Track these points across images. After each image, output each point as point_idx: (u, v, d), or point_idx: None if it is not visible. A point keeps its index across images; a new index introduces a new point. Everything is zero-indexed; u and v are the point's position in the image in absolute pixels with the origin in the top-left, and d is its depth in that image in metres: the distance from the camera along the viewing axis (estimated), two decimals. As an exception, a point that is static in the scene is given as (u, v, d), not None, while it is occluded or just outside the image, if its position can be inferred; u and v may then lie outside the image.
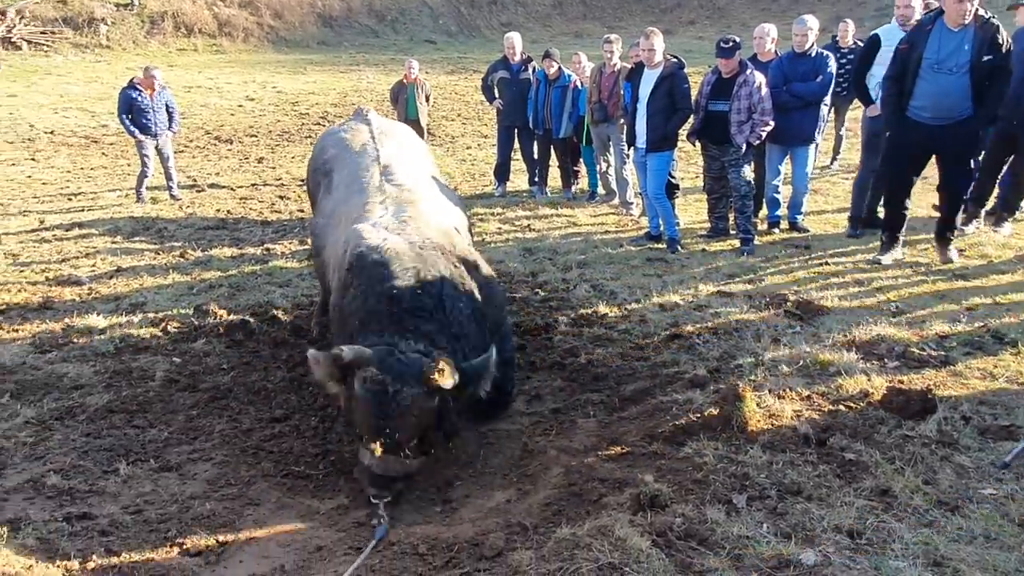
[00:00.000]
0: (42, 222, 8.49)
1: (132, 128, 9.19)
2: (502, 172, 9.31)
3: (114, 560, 2.89)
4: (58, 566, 2.85)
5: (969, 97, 5.37)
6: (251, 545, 3.06)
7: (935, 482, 3.08)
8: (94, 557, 2.91)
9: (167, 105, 9.42)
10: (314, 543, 3.07)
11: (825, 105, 7.01)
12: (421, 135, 9.99)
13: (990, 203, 6.75)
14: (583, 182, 9.22)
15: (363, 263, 3.67)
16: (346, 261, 3.80)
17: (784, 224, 7.12)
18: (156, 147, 9.35)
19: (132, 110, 9.17)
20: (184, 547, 3.02)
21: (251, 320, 5.43)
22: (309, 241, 5.15)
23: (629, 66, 7.15)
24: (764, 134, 6.44)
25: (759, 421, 3.53)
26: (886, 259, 5.93)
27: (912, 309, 4.99)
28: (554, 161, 9.06)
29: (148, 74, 9.30)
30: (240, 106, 16.48)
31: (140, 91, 9.19)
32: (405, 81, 10.16)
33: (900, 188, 5.87)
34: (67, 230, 8.23)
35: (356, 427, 3.43)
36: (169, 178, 9.59)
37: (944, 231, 5.89)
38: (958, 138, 5.45)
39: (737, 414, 3.54)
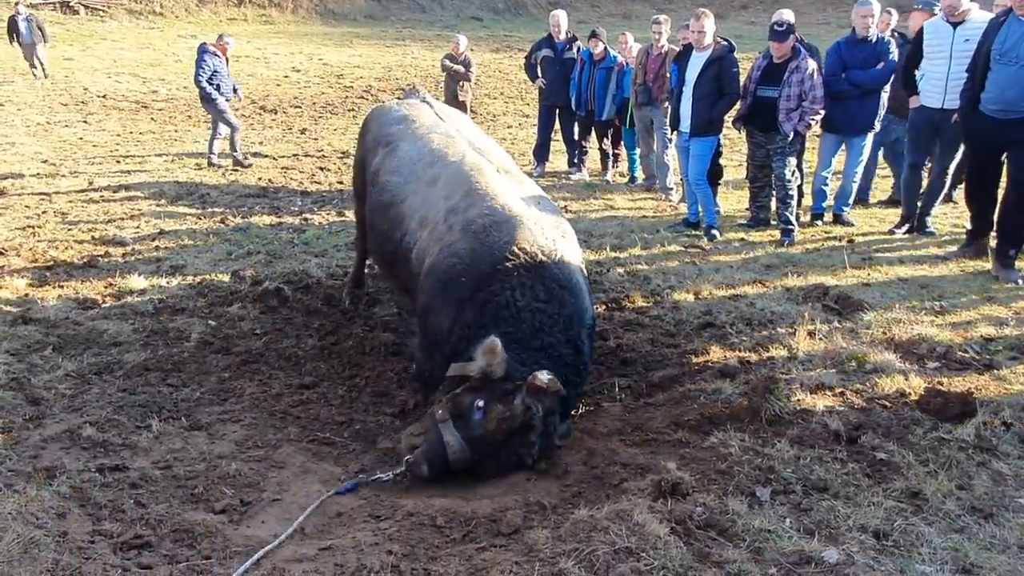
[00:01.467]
0: (91, 183, 8.70)
1: (216, 93, 9.38)
2: (541, 152, 9.24)
3: (142, 512, 2.96)
4: (89, 515, 2.94)
5: None
6: (273, 506, 3.11)
7: (969, 487, 2.99)
8: (123, 508, 2.99)
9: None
10: (334, 508, 3.11)
11: (885, 92, 6.66)
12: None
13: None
14: (623, 165, 9.10)
15: (541, 266, 3.61)
16: (503, 247, 3.64)
17: (828, 216, 6.93)
18: (222, 110, 9.57)
19: (213, 77, 9.38)
20: (209, 504, 3.08)
21: (285, 288, 5.50)
22: (364, 197, 4.93)
23: (678, 48, 6.99)
24: (814, 123, 6.26)
25: (789, 415, 3.46)
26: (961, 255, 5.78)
27: (957, 310, 4.82)
28: (594, 143, 8.95)
29: (223, 41, 9.61)
30: (286, 77, 16.63)
31: (218, 57, 9.40)
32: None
33: (976, 185, 5.65)
34: (114, 192, 8.43)
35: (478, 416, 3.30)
36: (212, 144, 9.75)
37: (1005, 247, 5.39)
38: (1022, 135, 5.20)
39: (766, 406, 3.47)
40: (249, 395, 4.12)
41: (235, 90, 9.88)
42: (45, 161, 9.69)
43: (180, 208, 7.88)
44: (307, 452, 3.61)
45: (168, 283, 5.64)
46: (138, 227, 7.17)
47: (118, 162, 9.83)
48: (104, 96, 14.21)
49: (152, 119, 12.70)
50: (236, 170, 9.56)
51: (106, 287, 5.53)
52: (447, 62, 9.96)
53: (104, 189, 8.50)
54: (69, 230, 7.00)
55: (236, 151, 9.69)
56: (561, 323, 3.54)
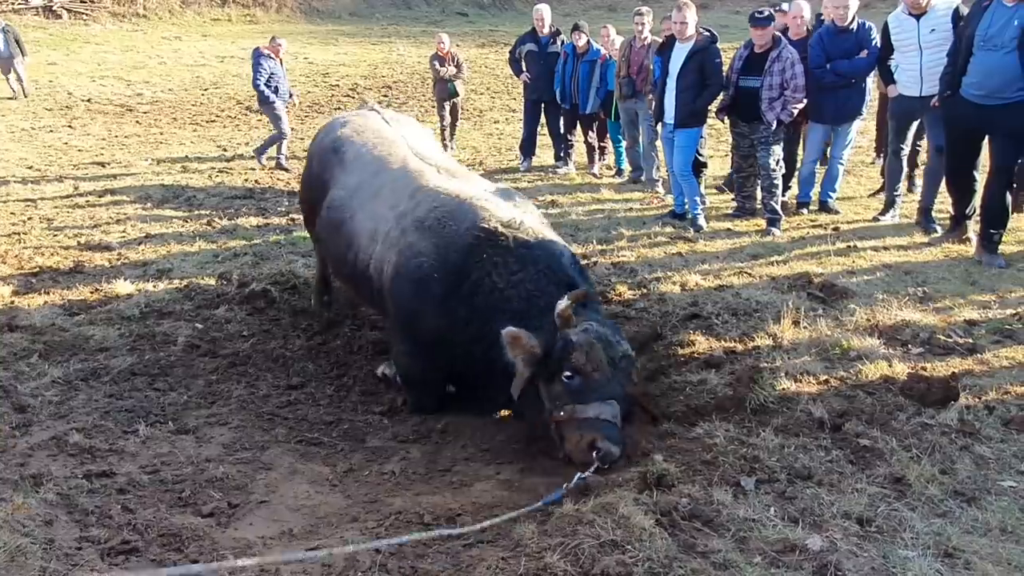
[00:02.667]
0: (76, 188, 8.65)
1: (274, 96, 9.42)
2: (528, 146, 9.24)
3: (129, 517, 2.96)
4: (76, 521, 2.93)
5: (1021, 77, 5.13)
6: (261, 508, 3.12)
7: (952, 472, 3.01)
8: (111, 513, 2.99)
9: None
10: (322, 509, 3.12)
11: (872, 79, 6.68)
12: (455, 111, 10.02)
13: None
14: (609, 158, 9.10)
15: (506, 237, 3.63)
16: (465, 233, 3.67)
17: (814, 204, 6.96)
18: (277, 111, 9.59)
19: (270, 79, 9.40)
20: (197, 507, 3.09)
21: (272, 289, 5.50)
22: (314, 216, 4.84)
23: (660, 40, 6.99)
24: (796, 112, 6.27)
25: (773, 404, 3.48)
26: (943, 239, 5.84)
27: (941, 295, 4.85)
28: (580, 136, 8.95)
29: (275, 43, 9.63)
30: (272, 76, 16.53)
31: (272, 60, 9.42)
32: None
33: (957, 169, 5.66)
34: (100, 196, 8.39)
35: (584, 375, 3.25)
36: (268, 148, 9.81)
37: (988, 232, 5.42)
38: (1007, 121, 5.21)
39: (751, 396, 3.49)
40: (236, 397, 4.12)
41: (290, 95, 9.93)
42: (30, 167, 9.63)
43: (166, 211, 7.85)
44: (295, 453, 3.62)
45: (155, 287, 5.62)
46: (124, 231, 7.14)
47: (103, 166, 9.77)
48: (88, 100, 14.11)
49: (137, 122, 12.62)
50: (223, 171, 9.53)
51: (92, 292, 5.51)
52: (437, 65, 9.91)
53: (90, 194, 8.45)
54: (55, 236, 6.96)
55: (281, 155, 9.69)
56: (544, 278, 3.56)
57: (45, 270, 6.01)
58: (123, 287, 5.56)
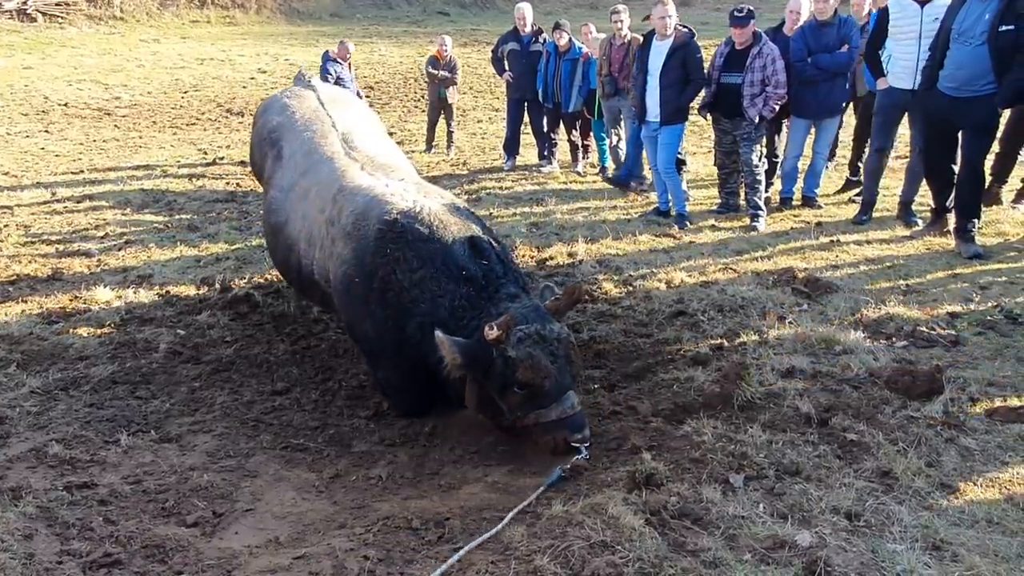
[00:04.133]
0: (54, 194, 8.51)
1: None
2: (511, 146, 9.21)
3: (111, 529, 2.91)
4: (57, 535, 2.88)
5: (990, 71, 5.19)
6: (247, 517, 3.07)
7: (939, 464, 3.03)
8: (92, 526, 2.94)
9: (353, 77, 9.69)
10: (309, 516, 3.08)
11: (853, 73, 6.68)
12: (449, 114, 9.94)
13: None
14: (593, 156, 9.10)
15: (405, 230, 3.57)
16: (372, 229, 3.64)
17: (797, 198, 6.98)
18: None
19: (336, 84, 9.26)
20: (181, 517, 3.04)
21: (255, 293, 5.44)
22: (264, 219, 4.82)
23: (640, 37, 6.99)
24: (778, 107, 6.29)
25: (760, 400, 3.49)
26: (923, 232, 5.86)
27: (923, 287, 4.88)
28: (563, 135, 8.93)
29: (342, 46, 9.53)
30: (252, 79, 16.41)
31: (340, 64, 9.29)
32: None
33: (934, 162, 5.69)
34: (78, 202, 8.26)
35: (535, 387, 3.25)
36: None
37: (963, 222, 5.47)
38: (976, 114, 5.28)
39: (738, 393, 3.49)
40: (220, 404, 4.07)
41: (359, 96, 9.74)
42: (6, 173, 9.47)
43: (147, 216, 7.75)
44: (280, 459, 3.57)
45: (135, 293, 5.54)
46: (104, 237, 7.04)
47: (81, 171, 9.63)
48: (65, 104, 13.91)
49: (116, 126, 12.46)
50: (204, 175, 9.42)
51: (71, 300, 5.42)
52: (431, 69, 9.84)
53: (68, 200, 8.32)
54: (32, 243, 6.84)
55: None
56: (443, 275, 3.49)
57: (22, 278, 5.90)
58: (103, 294, 5.47)
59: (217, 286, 5.62)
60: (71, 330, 4.91)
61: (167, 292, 5.57)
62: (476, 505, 3.10)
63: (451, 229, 3.65)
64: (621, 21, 7.57)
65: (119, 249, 6.66)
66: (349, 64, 9.65)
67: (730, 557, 2.53)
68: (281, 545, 2.88)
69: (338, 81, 9.29)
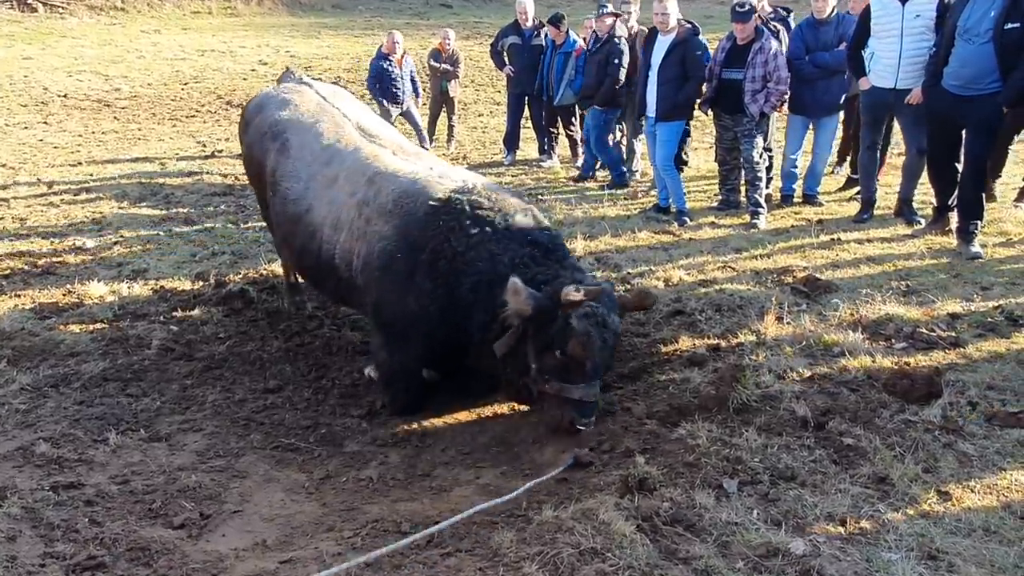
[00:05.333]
0: (51, 187, 8.48)
1: (380, 98, 9.22)
2: (511, 140, 9.15)
3: (97, 531, 2.88)
4: (41, 536, 2.85)
5: (995, 69, 5.11)
6: (235, 519, 3.04)
7: (936, 470, 2.98)
8: (77, 527, 2.90)
9: (411, 73, 9.40)
10: (298, 518, 3.05)
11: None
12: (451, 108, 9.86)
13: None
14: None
15: (460, 203, 3.62)
16: (420, 206, 3.68)
17: (799, 196, 6.92)
18: (402, 113, 9.34)
19: (382, 79, 9.16)
20: (168, 519, 3.01)
21: (250, 289, 5.39)
22: (267, 202, 4.65)
23: (646, 30, 6.92)
24: (779, 104, 6.22)
25: (756, 402, 3.44)
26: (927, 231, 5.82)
27: (924, 288, 4.81)
28: (562, 129, 8.86)
29: (389, 39, 9.31)
30: (253, 70, 16.33)
31: (389, 59, 9.15)
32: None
33: (938, 160, 5.63)
34: (75, 195, 8.22)
35: (577, 361, 3.34)
36: (422, 140, 9.53)
37: (965, 222, 5.40)
38: (979, 112, 5.20)
39: (734, 395, 3.45)
40: (211, 402, 4.04)
41: (416, 94, 9.52)
42: (3, 165, 9.43)
43: (143, 210, 7.70)
44: (271, 459, 3.54)
45: (129, 288, 5.50)
46: (99, 231, 7.00)
47: (79, 164, 9.59)
48: (65, 96, 13.85)
49: (115, 118, 12.41)
50: (202, 168, 9.37)
51: (64, 295, 5.38)
52: (434, 63, 9.76)
53: (64, 192, 8.29)
54: (28, 236, 6.81)
55: (425, 147, 9.42)
56: (504, 236, 3.56)
57: (16, 272, 5.87)
58: (96, 289, 5.43)
59: (212, 281, 5.58)
60: (63, 325, 4.88)
61: (161, 287, 5.53)
62: (466, 508, 3.05)
63: (509, 200, 3.77)
64: (630, 13, 7.50)
65: (115, 243, 6.62)
66: (400, 59, 9.25)
67: (722, 565, 2.49)
68: (268, 548, 2.84)
69: (382, 78, 9.06)
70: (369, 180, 3.96)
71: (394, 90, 9.17)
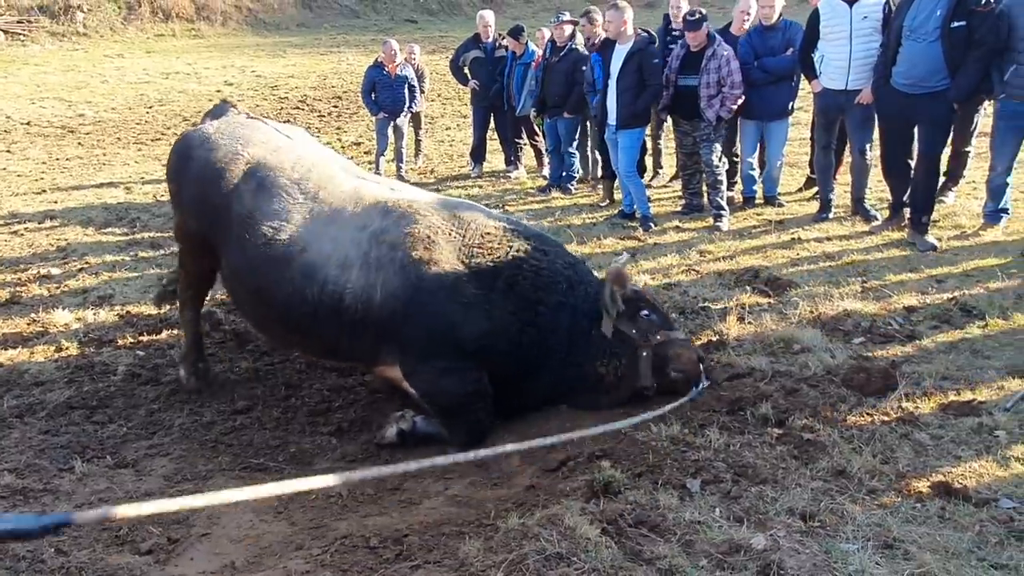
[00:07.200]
0: (14, 215, 8.37)
1: (373, 107, 9.07)
2: (478, 153, 9.21)
3: (63, 560, 2.85)
4: (7, 568, 2.82)
5: (943, 67, 5.27)
6: (203, 542, 3.03)
7: (893, 461, 3.05)
8: (43, 558, 2.88)
9: (407, 81, 9.03)
10: (266, 538, 3.04)
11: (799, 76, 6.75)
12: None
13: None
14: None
15: (511, 230, 3.84)
16: (473, 231, 3.79)
17: (760, 197, 7.05)
18: (393, 126, 9.13)
19: (375, 88, 8.98)
20: (135, 545, 2.99)
21: (217, 311, 5.37)
22: (208, 248, 4.21)
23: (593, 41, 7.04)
24: (735, 108, 6.35)
25: (718, 402, 3.50)
26: (881, 228, 5.96)
27: (881, 282, 4.94)
28: (526, 139, 8.94)
29: (388, 48, 8.98)
30: (218, 91, 16.24)
31: (382, 68, 8.94)
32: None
33: (891, 158, 5.78)
34: (40, 222, 8.12)
35: (658, 308, 3.86)
36: (399, 157, 9.38)
37: (918, 215, 5.59)
38: (930, 110, 5.36)
39: (696, 396, 3.50)
40: (179, 426, 4.02)
41: (410, 100, 9.03)
42: (-35, 195, 9.30)
43: (109, 235, 7.63)
44: (239, 481, 3.53)
45: (95, 315, 5.45)
46: (64, 258, 6.92)
47: (44, 191, 9.48)
48: (28, 123, 13.68)
49: (79, 143, 12.28)
50: (167, 191, 9.29)
51: (29, 324, 5.32)
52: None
53: (29, 220, 8.18)
54: (-10, 267, 6.72)
55: (401, 164, 9.38)
56: (557, 256, 3.86)
57: (-21, 303, 5.79)
58: (62, 316, 5.37)
59: (178, 305, 5.53)
60: (28, 355, 4.82)
61: (127, 312, 5.49)
62: (436, 520, 3.07)
63: (528, 227, 4.05)
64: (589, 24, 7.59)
65: (80, 270, 6.55)
66: (394, 69, 8.86)
67: (686, 564, 2.53)
68: (237, 570, 2.84)
69: (374, 88, 8.86)
70: (383, 211, 3.84)
71: (387, 100, 9.01)
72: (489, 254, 3.72)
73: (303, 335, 3.99)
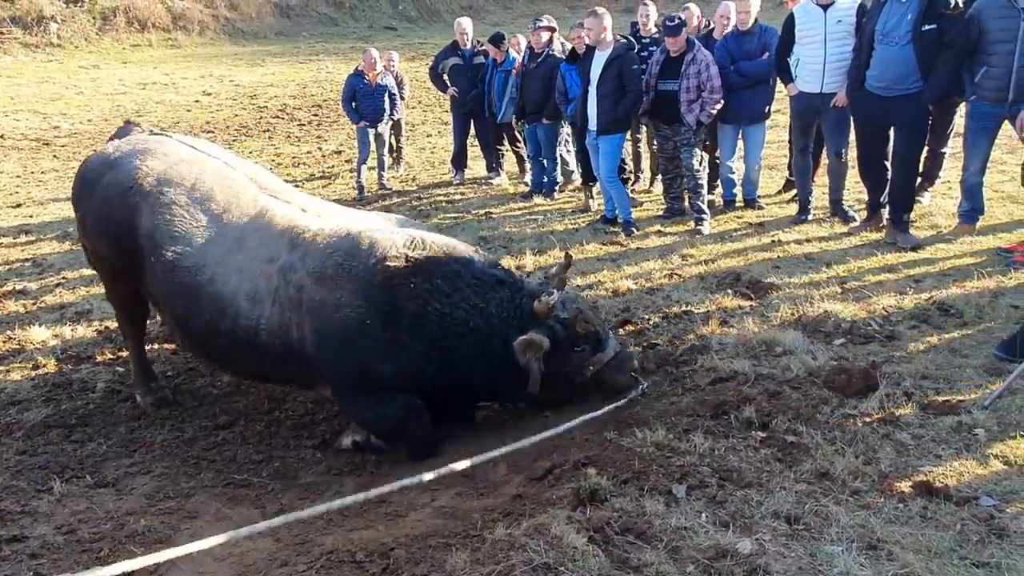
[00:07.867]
0: (-12, 230, 8.25)
1: (354, 115, 8.91)
2: (459, 160, 9.20)
3: (42, 584, 2.81)
4: (-16, 594, 2.77)
5: (916, 69, 5.36)
6: (186, 561, 2.98)
7: (875, 461, 3.08)
8: (22, 582, 2.83)
9: (387, 90, 8.86)
10: (251, 555, 3.01)
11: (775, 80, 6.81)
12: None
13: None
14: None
15: (421, 260, 3.61)
16: (376, 268, 3.54)
17: (740, 201, 7.10)
18: (376, 133, 8.94)
19: (356, 97, 8.82)
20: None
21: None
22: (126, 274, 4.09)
23: (570, 47, 7.06)
24: (715, 112, 6.39)
25: (702, 407, 3.51)
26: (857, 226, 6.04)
27: (860, 283, 4.98)
28: (507, 146, 8.95)
29: (367, 56, 8.81)
30: (196, 101, 16.13)
31: (363, 77, 8.78)
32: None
33: (868, 160, 5.85)
34: (15, 238, 8.01)
35: (591, 335, 3.75)
36: (380, 165, 9.21)
37: (897, 214, 5.66)
38: (905, 112, 5.44)
39: (679, 402, 3.51)
40: (160, 443, 3.97)
41: (391, 108, 8.86)
42: (-62, 211, 9.15)
43: (86, 249, 7.53)
44: (223, 497, 3.50)
45: (73, 331, 5.38)
46: (40, 273, 6.83)
47: (19, 205, 9.36)
48: (2, 136, 13.51)
49: (55, 156, 12.13)
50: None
51: (5, 342, 5.25)
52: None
53: (4, 235, 8.07)
54: (-35, 284, 6.61)
55: (383, 172, 9.21)
56: (477, 288, 3.64)
57: (-47, 321, 5.69)
58: (38, 333, 5.30)
59: (158, 318, 5.47)
60: (3, 374, 4.75)
61: (106, 328, 5.42)
62: (423, 532, 3.05)
63: (456, 247, 3.78)
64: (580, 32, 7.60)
65: (57, 285, 6.47)
66: (374, 77, 8.70)
67: (673, 570, 2.53)
68: (221, 589, 2.80)
69: (355, 96, 8.73)
70: (290, 243, 3.66)
71: (368, 108, 8.90)
72: (396, 288, 3.53)
73: (226, 363, 4.00)
